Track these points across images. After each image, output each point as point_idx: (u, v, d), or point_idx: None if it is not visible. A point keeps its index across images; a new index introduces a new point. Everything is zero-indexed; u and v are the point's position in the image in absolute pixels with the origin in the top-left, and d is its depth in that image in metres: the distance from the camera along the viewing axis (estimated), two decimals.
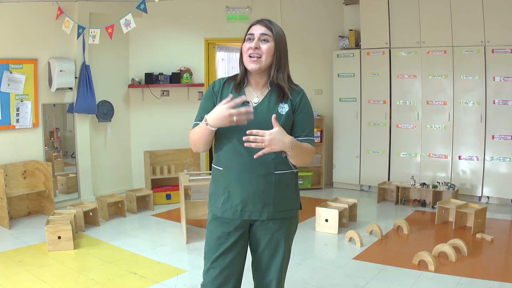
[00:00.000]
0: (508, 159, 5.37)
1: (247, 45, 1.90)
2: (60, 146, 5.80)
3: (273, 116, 1.74)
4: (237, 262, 1.96)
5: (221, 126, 1.78)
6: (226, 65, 7.48)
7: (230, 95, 1.77)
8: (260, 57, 1.87)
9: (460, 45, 5.57)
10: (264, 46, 1.87)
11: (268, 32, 1.88)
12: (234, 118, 1.71)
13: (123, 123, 6.25)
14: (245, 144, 1.71)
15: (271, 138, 1.69)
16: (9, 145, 5.07)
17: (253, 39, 1.88)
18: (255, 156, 1.74)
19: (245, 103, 1.89)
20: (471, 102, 5.57)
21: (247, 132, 1.71)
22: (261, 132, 1.69)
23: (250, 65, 1.88)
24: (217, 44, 6.90)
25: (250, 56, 1.88)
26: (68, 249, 4.02)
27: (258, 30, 1.89)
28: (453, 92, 5.67)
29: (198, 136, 1.87)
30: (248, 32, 1.91)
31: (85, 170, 5.73)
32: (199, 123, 1.93)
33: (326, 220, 4.56)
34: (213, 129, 1.81)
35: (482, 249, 4.04)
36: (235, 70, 7.40)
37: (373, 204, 5.75)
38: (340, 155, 6.57)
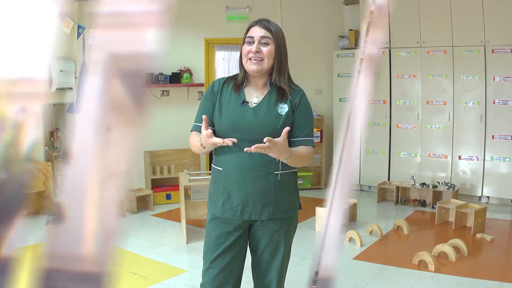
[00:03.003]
0: (508, 159, 5.37)
1: (247, 47, 1.87)
2: (60, 146, 5.80)
3: (286, 129, 1.73)
4: (237, 262, 1.96)
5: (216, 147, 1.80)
6: (227, 64, 7.47)
7: (204, 117, 1.76)
8: (262, 60, 1.85)
9: (460, 45, 5.57)
10: (265, 49, 1.85)
11: (268, 34, 1.85)
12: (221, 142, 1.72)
13: None
14: (245, 149, 1.70)
15: (274, 145, 1.67)
16: None
17: (253, 42, 1.85)
18: (245, 149, 1.70)
19: (244, 103, 1.89)
20: (471, 102, 5.57)
21: (253, 147, 1.67)
22: (266, 140, 1.66)
23: (252, 67, 1.86)
24: (216, 44, 6.89)
25: (250, 59, 1.85)
26: None
27: (257, 32, 1.86)
28: (453, 92, 5.66)
29: (197, 148, 1.90)
30: (248, 35, 1.88)
31: None
32: (199, 125, 1.93)
33: None
34: (210, 149, 1.85)
35: (482, 249, 4.04)
36: (236, 69, 7.40)
37: (373, 204, 5.75)
38: None
